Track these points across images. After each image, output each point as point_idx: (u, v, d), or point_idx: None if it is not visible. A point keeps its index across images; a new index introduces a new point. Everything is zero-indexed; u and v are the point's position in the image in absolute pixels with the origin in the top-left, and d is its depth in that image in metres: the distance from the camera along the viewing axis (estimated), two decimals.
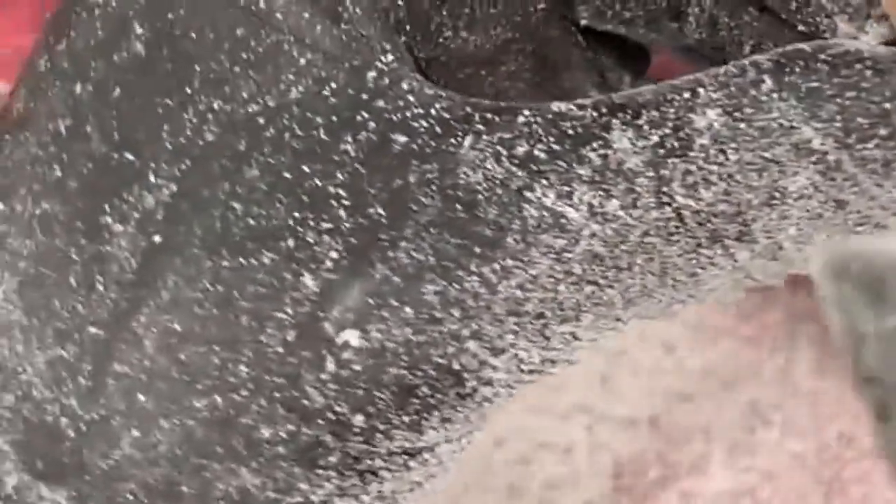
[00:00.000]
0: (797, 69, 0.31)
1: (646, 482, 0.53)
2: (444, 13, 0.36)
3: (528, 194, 0.31)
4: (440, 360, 0.32)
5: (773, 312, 0.53)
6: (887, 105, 0.30)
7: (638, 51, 0.41)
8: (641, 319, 0.34)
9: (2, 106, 0.35)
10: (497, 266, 0.31)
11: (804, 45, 0.31)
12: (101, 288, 0.32)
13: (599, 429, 0.53)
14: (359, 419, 0.33)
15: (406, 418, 0.33)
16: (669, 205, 0.31)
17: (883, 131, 0.30)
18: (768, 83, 0.31)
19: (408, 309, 0.32)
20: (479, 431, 0.36)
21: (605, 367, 0.53)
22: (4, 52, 0.53)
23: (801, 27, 0.33)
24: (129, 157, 0.33)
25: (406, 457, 0.34)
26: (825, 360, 0.52)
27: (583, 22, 0.38)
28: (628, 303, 0.33)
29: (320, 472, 0.33)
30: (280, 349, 0.32)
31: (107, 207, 0.32)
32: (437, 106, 0.32)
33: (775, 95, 0.31)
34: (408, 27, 0.35)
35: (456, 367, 0.32)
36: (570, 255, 0.32)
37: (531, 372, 0.33)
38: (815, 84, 0.31)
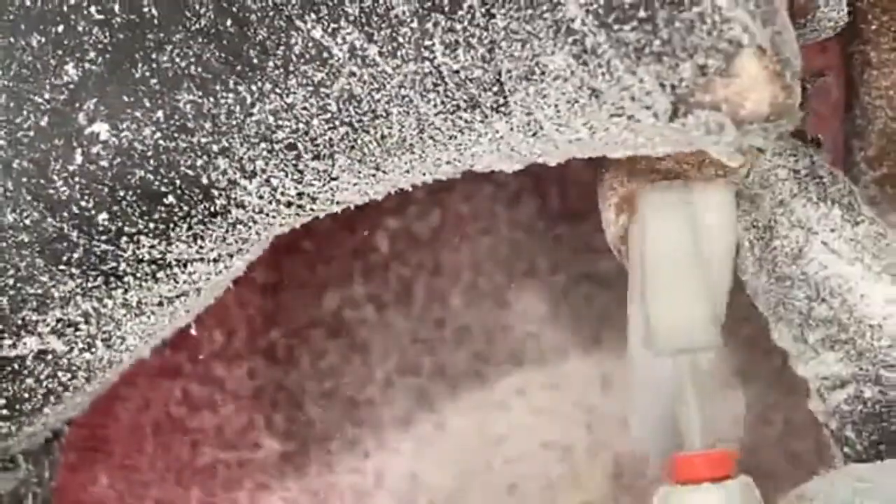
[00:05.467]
0: None
1: (646, 482, 0.53)
2: None
3: (298, 23, 0.32)
4: (188, 171, 0.33)
5: None
6: None
7: None
8: (409, 173, 0.34)
9: None
10: (254, 88, 0.32)
11: None
12: None
13: (599, 428, 0.53)
14: (103, 217, 0.33)
15: (153, 225, 0.34)
16: (430, 60, 0.32)
17: (642, 13, 0.30)
18: None
19: (160, 113, 0.32)
20: (240, 259, 0.36)
21: (605, 367, 0.53)
22: None
23: None
24: None
25: (154, 267, 0.35)
26: None
27: None
28: (386, 152, 0.33)
29: (63, 267, 0.34)
30: (32, 133, 0.33)
31: None
32: None
33: None
34: None
35: (204, 181, 0.33)
36: (327, 91, 0.32)
37: (290, 204, 0.34)
38: None
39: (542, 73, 0.31)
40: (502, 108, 0.32)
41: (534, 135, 0.33)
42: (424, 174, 0.34)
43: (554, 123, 0.32)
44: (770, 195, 0.39)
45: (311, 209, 0.35)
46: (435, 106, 0.32)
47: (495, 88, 0.32)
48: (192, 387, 0.53)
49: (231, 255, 0.36)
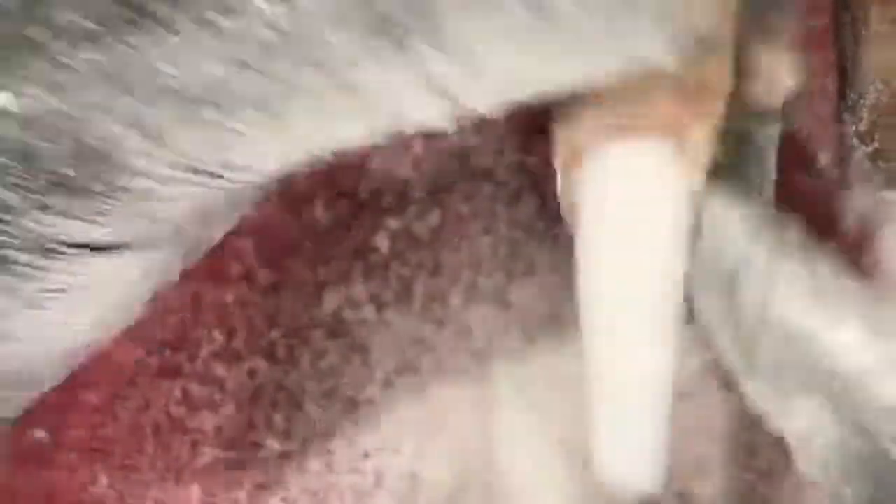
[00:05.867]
0: None
1: None
2: None
3: None
4: (90, 140, 0.31)
5: None
6: None
7: None
8: (330, 133, 0.33)
9: None
10: (162, 43, 0.31)
11: None
12: None
13: None
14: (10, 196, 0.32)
15: (48, 200, 0.32)
16: None
17: None
18: None
19: (61, 75, 0.31)
20: (156, 251, 0.34)
21: None
22: None
23: None
24: None
25: (48, 250, 0.33)
26: None
27: None
28: (287, 99, 0.32)
29: None
30: None
31: None
32: None
33: None
34: None
35: (109, 148, 0.31)
36: (239, 43, 0.31)
37: (201, 172, 0.33)
38: None
39: None
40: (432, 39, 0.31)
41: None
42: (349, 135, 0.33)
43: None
44: (724, 247, 0.38)
45: (231, 179, 0.33)
46: (339, 38, 0.31)
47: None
48: (192, 387, 0.53)
49: (140, 244, 0.34)
